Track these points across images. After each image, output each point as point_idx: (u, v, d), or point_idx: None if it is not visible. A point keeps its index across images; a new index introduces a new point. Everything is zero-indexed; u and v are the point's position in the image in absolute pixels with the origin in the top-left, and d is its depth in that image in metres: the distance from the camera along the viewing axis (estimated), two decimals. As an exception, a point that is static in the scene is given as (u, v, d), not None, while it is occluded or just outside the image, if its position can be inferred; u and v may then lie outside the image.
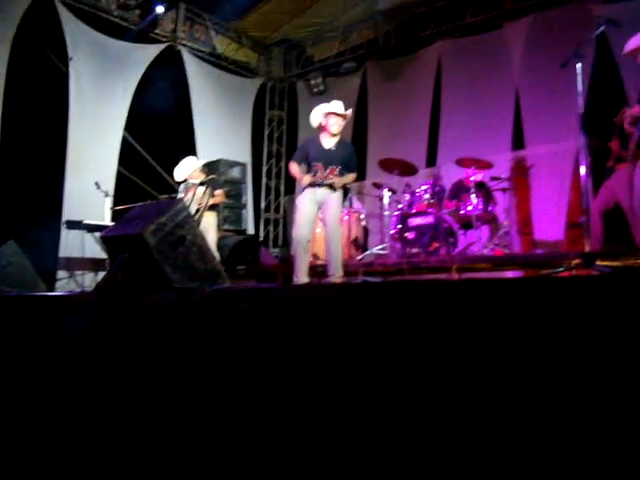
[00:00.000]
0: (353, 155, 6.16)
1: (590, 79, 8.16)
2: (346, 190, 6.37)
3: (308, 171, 6.03)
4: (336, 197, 6.00)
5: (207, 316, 3.04)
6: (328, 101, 6.22)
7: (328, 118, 6.00)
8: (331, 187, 5.94)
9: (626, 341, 1.98)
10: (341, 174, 5.97)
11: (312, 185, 5.97)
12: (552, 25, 9.04)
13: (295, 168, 6.16)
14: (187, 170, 7.51)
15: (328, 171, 5.95)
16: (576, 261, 5.54)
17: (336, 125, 5.98)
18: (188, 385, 2.93)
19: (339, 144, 6.06)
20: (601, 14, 7.71)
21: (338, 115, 5.99)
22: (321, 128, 6.10)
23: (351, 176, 6.10)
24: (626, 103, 7.65)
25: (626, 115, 4.90)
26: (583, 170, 5.07)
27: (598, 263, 5.13)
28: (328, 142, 6.04)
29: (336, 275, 5.94)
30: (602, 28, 5.55)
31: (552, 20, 9.14)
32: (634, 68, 7.81)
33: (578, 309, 2.18)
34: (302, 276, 5.99)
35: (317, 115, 6.09)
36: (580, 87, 4.94)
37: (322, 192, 5.97)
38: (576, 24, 8.12)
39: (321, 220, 6.21)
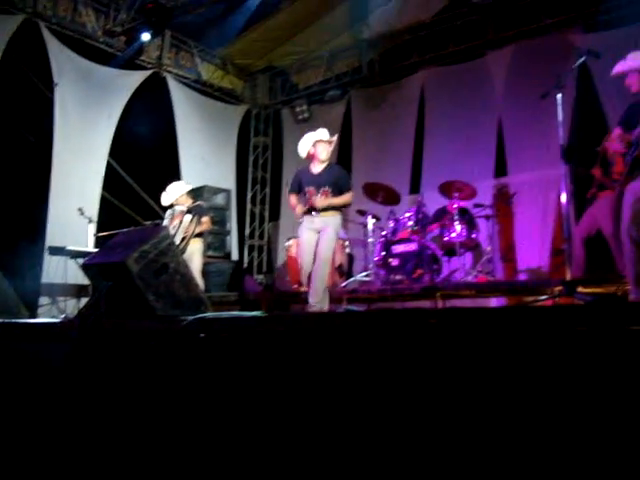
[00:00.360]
0: (343, 175, 6.24)
1: (573, 108, 8.27)
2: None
3: (303, 199, 6.16)
4: (330, 229, 6.03)
5: (190, 344, 3.03)
6: (313, 128, 6.32)
7: (316, 146, 6.14)
8: (323, 211, 6.01)
9: (606, 368, 1.99)
10: (334, 195, 6.04)
11: (308, 213, 6.08)
12: (534, 55, 9.17)
13: (292, 199, 6.31)
14: (174, 195, 7.53)
15: (320, 192, 6.03)
16: (558, 289, 5.59)
17: (324, 152, 6.14)
18: (170, 412, 2.91)
19: (328, 167, 6.20)
20: (581, 45, 7.86)
21: (325, 142, 6.13)
22: (310, 157, 6.23)
23: (345, 197, 6.12)
24: (608, 132, 7.77)
25: (613, 137, 4.94)
26: (564, 198, 5.14)
27: (579, 291, 5.18)
28: (318, 168, 6.20)
29: (316, 306, 5.94)
30: (582, 59, 5.65)
31: (534, 50, 9.27)
32: (615, 95, 7.96)
33: (557, 338, 2.19)
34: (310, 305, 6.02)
35: (306, 145, 6.21)
36: (560, 117, 5.01)
37: (319, 221, 6.05)
38: (558, 54, 8.24)
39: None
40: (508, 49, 9.65)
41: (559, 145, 5.12)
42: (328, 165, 6.22)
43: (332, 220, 6.07)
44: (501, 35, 9.70)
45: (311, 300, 5.95)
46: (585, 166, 7.23)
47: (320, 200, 6.00)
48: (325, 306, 5.97)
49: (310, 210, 6.06)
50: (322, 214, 6.04)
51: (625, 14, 8.41)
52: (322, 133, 6.18)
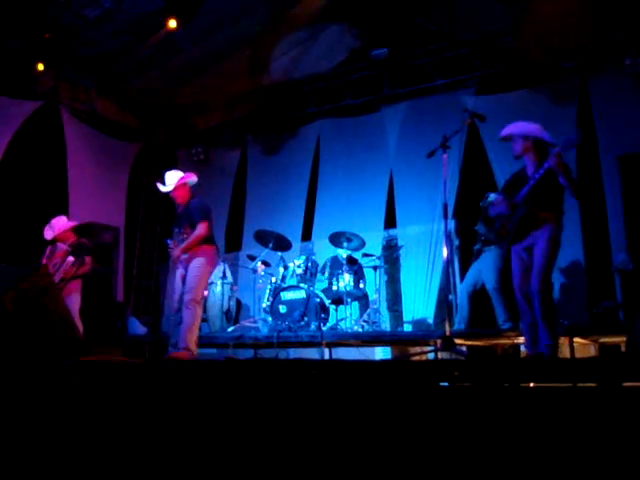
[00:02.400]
0: (195, 209, 6.27)
1: (460, 166, 8.63)
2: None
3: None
4: (192, 267, 6.08)
5: (63, 389, 2.92)
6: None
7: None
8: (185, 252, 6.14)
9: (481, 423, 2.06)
10: (191, 230, 6.14)
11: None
12: (426, 112, 9.56)
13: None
14: (57, 230, 7.29)
15: (178, 237, 6.24)
16: (439, 341, 5.75)
17: (176, 199, 6.43)
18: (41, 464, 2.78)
19: (185, 206, 6.37)
20: (471, 106, 8.23)
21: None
22: None
23: (197, 231, 6.12)
24: (495, 188, 8.16)
25: (497, 201, 5.23)
26: (445, 253, 5.34)
27: (458, 345, 5.36)
28: (179, 208, 6.44)
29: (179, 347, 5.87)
30: (469, 121, 5.94)
31: (426, 108, 9.66)
32: (502, 155, 8.37)
33: (430, 391, 2.26)
34: (170, 345, 6.01)
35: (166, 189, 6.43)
36: (444, 176, 5.23)
37: (183, 258, 6.20)
38: (448, 113, 8.61)
39: None
40: (402, 105, 10.00)
41: (442, 202, 5.32)
42: (186, 204, 6.35)
43: (196, 256, 6.11)
44: (396, 91, 10.06)
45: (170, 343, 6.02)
46: (469, 221, 7.56)
47: (176, 251, 6.15)
48: (181, 349, 5.85)
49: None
50: (188, 252, 6.14)
51: (515, 79, 8.95)
52: (164, 185, 6.40)
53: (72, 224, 7.48)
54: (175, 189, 6.27)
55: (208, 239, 6.22)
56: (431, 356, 6.40)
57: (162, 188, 6.38)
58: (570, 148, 4.95)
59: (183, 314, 5.91)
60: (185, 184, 6.34)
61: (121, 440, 2.59)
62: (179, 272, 6.18)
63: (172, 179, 6.31)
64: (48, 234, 7.33)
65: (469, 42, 9.32)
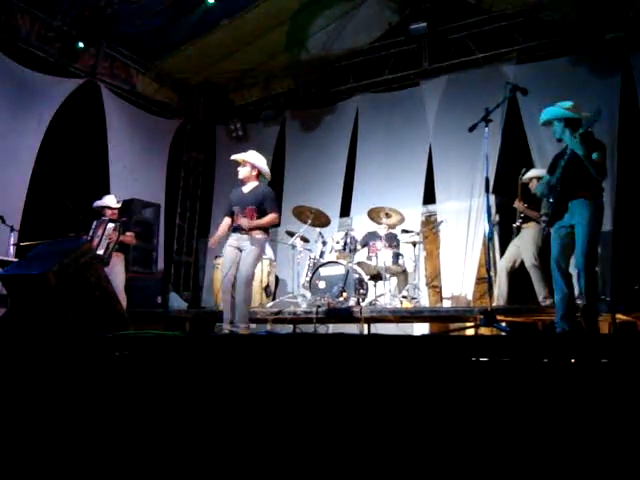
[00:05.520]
0: (268, 197, 6.30)
1: (501, 140, 8.53)
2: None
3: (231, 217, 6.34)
4: (254, 249, 6.11)
5: (106, 362, 2.97)
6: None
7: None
8: (244, 231, 6.12)
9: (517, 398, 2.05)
10: (258, 215, 6.15)
11: (233, 230, 6.23)
12: (466, 86, 9.42)
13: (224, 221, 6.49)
14: (103, 204, 7.82)
15: (245, 212, 6.14)
16: (480, 317, 5.72)
17: (240, 171, 6.42)
18: (85, 435, 2.84)
19: (255, 188, 6.35)
20: (510, 79, 8.10)
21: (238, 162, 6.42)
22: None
23: (269, 217, 6.20)
24: (532, 165, 8.04)
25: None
26: (487, 229, 5.28)
27: (499, 321, 5.32)
28: (246, 188, 6.40)
29: (231, 326, 6.00)
30: (510, 94, 5.84)
31: (466, 81, 9.53)
32: (539, 131, 8.25)
33: (470, 366, 2.25)
34: (225, 321, 6.08)
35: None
36: (486, 150, 5.16)
37: (238, 237, 6.18)
38: (489, 86, 8.50)
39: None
40: (441, 79, 9.87)
41: (484, 177, 5.25)
42: (256, 186, 6.36)
43: (256, 239, 6.13)
44: (435, 65, 9.94)
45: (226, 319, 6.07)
46: (508, 198, 7.47)
47: (245, 221, 6.09)
48: (242, 327, 5.97)
49: (235, 229, 6.20)
50: (246, 234, 6.13)
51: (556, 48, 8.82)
52: (239, 154, 6.46)
53: (118, 204, 7.94)
54: (249, 165, 6.35)
55: (268, 228, 6.38)
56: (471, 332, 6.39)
57: (238, 155, 6.46)
58: (588, 126, 4.90)
59: (241, 293, 6.01)
60: (257, 169, 6.40)
61: (165, 413, 2.63)
62: (232, 250, 6.18)
63: (253, 157, 6.42)
64: (96, 205, 7.89)
65: (508, 15, 9.17)
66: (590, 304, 4.80)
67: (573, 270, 4.99)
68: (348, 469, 2.17)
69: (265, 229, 6.25)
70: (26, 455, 2.88)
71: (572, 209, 4.92)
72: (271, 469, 2.30)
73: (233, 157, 6.48)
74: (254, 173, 6.38)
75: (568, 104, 5.15)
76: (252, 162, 6.37)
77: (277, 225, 6.58)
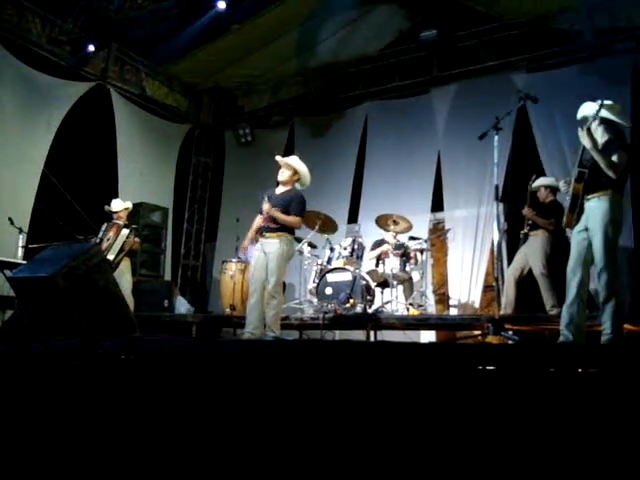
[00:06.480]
0: (295, 200, 6.30)
1: (511, 148, 8.52)
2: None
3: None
4: (275, 251, 6.09)
5: (112, 366, 2.97)
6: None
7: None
8: (266, 231, 6.16)
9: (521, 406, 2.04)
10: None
11: (260, 233, 6.26)
12: (476, 94, 9.40)
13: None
14: (120, 206, 7.95)
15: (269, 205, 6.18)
16: (487, 325, 5.70)
17: (280, 174, 6.44)
18: (90, 437, 2.84)
19: (287, 191, 6.38)
20: (520, 88, 8.10)
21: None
22: None
23: (289, 217, 6.20)
24: (542, 173, 8.01)
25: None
26: (496, 237, 5.26)
27: (507, 329, 5.28)
28: (279, 190, 6.45)
29: (250, 334, 5.96)
30: (521, 103, 5.83)
31: (476, 89, 9.51)
32: (549, 139, 8.23)
33: (477, 374, 2.23)
34: (247, 326, 6.05)
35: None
36: (496, 158, 5.15)
37: (263, 241, 6.21)
38: (499, 94, 8.51)
39: None
40: (451, 87, 9.87)
41: (494, 184, 5.23)
42: (289, 190, 6.38)
43: (279, 241, 6.13)
44: (445, 72, 9.94)
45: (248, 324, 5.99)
46: (517, 205, 7.45)
47: (269, 206, 6.13)
48: (271, 333, 5.95)
49: (261, 231, 6.24)
50: (269, 235, 6.15)
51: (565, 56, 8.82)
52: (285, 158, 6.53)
53: (128, 204, 8.04)
54: (292, 170, 6.38)
55: (291, 229, 6.36)
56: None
57: (281, 157, 6.51)
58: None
59: (270, 302, 6.02)
60: (298, 176, 6.43)
61: (172, 417, 2.63)
62: (258, 254, 6.20)
63: (298, 163, 6.45)
64: (107, 209, 7.98)
65: (518, 24, 9.18)
66: (617, 309, 4.45)
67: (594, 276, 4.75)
68: (354, 474, 2.17)
69: (288, 230, 6.26)
70: (29, 456, 2.88)
71: (587, 211, 4.74)
72: (277, 473, 2.29)
73: (278, 158, 6.51)
74: (295, 178, 6.41)
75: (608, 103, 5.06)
76: (296, 168, 6.41)
77: (297, 229, 6.59)
